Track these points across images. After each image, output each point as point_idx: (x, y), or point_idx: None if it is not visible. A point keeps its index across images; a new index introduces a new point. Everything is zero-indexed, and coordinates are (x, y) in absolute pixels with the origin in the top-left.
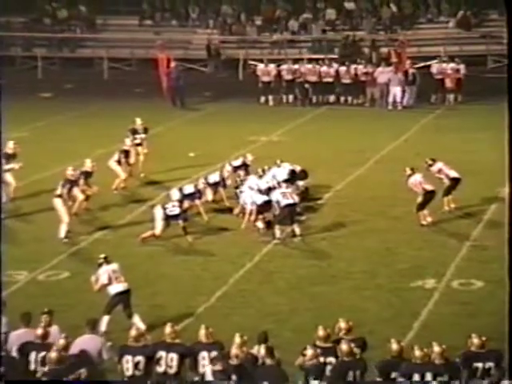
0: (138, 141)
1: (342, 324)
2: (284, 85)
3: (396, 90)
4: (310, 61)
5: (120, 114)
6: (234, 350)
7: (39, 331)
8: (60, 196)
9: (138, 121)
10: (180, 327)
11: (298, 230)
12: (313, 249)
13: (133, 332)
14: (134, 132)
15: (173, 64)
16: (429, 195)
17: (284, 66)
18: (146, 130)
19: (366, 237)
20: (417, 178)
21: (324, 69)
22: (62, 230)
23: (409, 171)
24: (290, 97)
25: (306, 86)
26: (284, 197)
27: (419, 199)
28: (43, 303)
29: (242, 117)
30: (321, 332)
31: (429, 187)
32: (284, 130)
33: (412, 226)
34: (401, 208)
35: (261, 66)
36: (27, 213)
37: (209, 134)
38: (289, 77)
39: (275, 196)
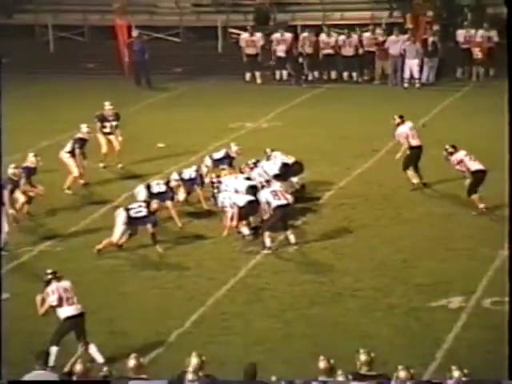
0: (107, 129)
1: (363, 356)
2: (274, 58)
3: (413, 64)
4: (307, 28)
5: (69, 95)
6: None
7: None
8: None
9: (108, 105)
10: (147, 360)
11: (292, 238)
12: (311, 260)
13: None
14: (103, 119)
15: (135, 33)
16: (478, 175)
17: (274, 35)
18: (117, 117)
19: (377, 245)
20: (459, 155)
21: (323, 38)
22: None
23: (450, 149)
24: (283, 73)
25: (301, 59)
26: (275, 196)
27: (467, 181)
28: None
29: (223, 98)
30: (322, 363)
31: (474, 166)
32: (275, 114)
33: (433, 231)
34: (420, 209)
35: (245, 34)
36: None
37: (182, 119)
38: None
39: (264, 195)
